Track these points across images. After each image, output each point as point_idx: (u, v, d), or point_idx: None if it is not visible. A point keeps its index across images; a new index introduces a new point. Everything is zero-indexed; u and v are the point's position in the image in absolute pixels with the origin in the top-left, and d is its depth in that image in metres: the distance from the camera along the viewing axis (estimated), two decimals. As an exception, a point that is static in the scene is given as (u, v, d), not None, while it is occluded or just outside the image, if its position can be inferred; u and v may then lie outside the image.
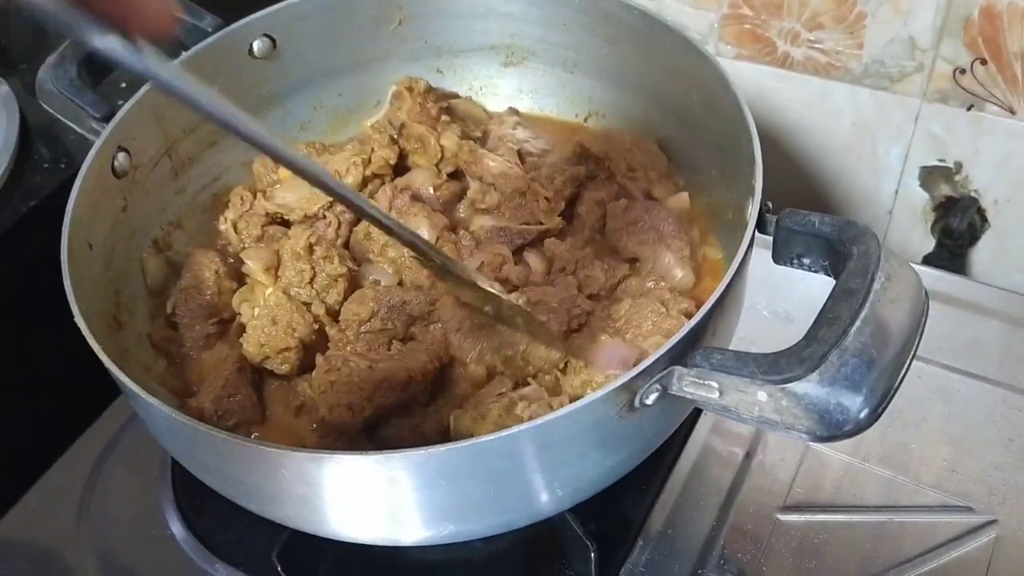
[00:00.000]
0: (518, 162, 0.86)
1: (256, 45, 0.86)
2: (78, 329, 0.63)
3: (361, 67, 0.93)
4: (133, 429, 0.87)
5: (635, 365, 0.57)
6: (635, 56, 0.86)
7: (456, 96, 0.95)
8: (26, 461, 0.85)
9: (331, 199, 0.84)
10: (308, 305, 0.76)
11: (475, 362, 0.72)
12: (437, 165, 0.86)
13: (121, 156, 0.76)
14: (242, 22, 0.85)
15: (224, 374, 0.73)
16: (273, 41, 0.87)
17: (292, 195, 0.86)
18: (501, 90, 0.95)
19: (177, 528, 0.80)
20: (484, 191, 0.83)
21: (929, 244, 1.06)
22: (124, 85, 0.92)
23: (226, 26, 0.85)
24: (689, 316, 0.71)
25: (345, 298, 0.77)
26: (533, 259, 0.80)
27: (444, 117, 0.89)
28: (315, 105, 0.93)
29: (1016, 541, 0.75)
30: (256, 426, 0.73)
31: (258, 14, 0.86)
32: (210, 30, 0.84)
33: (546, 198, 0.81)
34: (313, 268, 0.77)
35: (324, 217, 0.83)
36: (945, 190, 1.03)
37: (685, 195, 0.84)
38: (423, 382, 0.70)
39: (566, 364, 0.72)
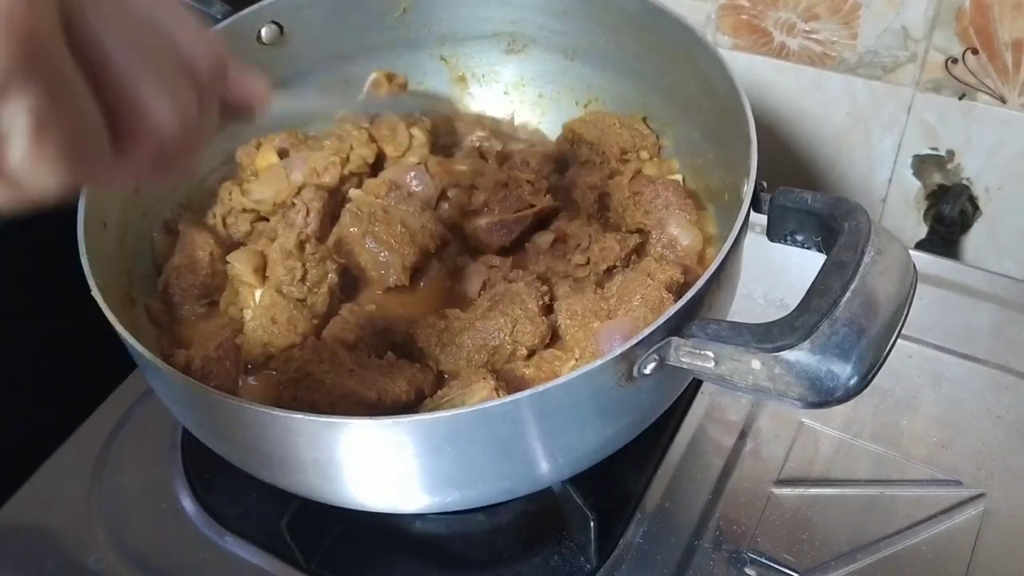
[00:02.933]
0: (485, 159, 0.87)
1: (264, 32, 0.87)
2: (92, 307, 0.63)
3: (366, 54, 0.94)
4: (144, 406, 0.89)
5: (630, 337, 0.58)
6: (634, 43, 0.88)
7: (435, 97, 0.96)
8: (39, 438, 0.87)
9: (299, 188, 0.84)
10: (302, 301, 0.75)
11: (466, 368, 0.71)
12: (405, 154, 0.87)
13: (133, 139, 0.78)
14: (250, 9, 0.86)
15: (220, 338, 0.73)
16: (281, 28, 0.88)
17: (268, 189, 0.85)
18: (502, 77, 0.97)
19: (187, 502, 0.82)
20: (468, 195, 0.83)
21: (922, 231, 1.08)
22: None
23: (234, 13, 0.86)
24: (671, 285, 0.73)
25: (332, 297, 0.76)
26: (543, 239, 0.81)
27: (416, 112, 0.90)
28: (321, 91, 0.95)
29: (1003, 513, 0.77)
30: (231, 393, 0.72)
31: (266, 1, 0.87)
32: (219, 17, 0.85)
33: (528, 181, 0.82)
34: (304, 265, 0.76)
35: (294, 205, 0.82)
36: (937, 178, 1.04)
37: (679, 177, 0.86)
38: (391, 407, 0.68)
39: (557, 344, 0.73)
